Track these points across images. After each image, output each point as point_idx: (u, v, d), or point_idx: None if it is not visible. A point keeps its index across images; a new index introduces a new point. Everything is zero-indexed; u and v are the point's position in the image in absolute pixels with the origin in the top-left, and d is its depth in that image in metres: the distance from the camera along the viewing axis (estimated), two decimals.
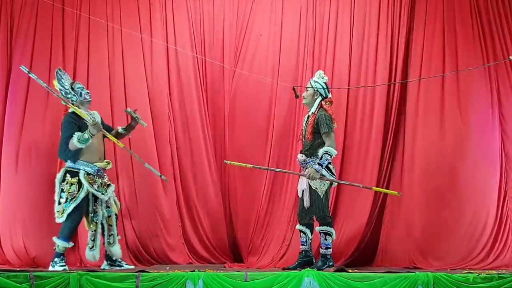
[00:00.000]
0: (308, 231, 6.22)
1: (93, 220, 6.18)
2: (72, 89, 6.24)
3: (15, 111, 7.12)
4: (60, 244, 6.06)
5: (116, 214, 6.42)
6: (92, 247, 6.17)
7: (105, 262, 6.39)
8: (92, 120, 6.07)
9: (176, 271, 5.53)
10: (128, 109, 6.48)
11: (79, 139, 5.99)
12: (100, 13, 7.24)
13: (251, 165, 6.42)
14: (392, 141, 7.14)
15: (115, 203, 6.43)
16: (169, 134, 7.27)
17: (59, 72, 6.28)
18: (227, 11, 7.41)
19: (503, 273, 5.57)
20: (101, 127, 6.16)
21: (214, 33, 7.41)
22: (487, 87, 7.16)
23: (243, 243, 7.14)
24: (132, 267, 6.40)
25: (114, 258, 6.36)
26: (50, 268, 5.99)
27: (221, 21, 7.40)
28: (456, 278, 5.41)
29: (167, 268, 6.22)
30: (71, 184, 6.07)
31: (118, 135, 6.46)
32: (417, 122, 7.19)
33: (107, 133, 6.26)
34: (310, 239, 6.22)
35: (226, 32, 7.39)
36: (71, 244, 6.15)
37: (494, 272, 5.75)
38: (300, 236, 6.33)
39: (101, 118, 6.38)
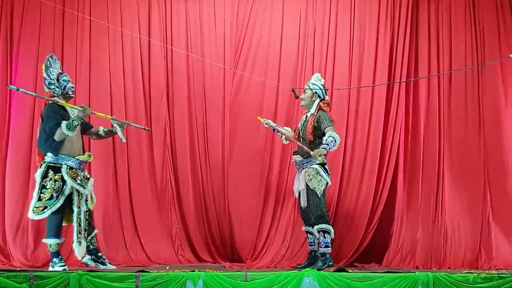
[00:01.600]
0: (315, 231, 6.23)
1: (79, 215, 5.98)
2: (58, 80, 6.05)
3: (21, 117, 7.13)
4: (51, 242, 5.97)
5: (91, 210, 6.24)
6: (81, 242, 5.97)
7: (88, 257, 6.21)
8: (82, 107, 5.92)
9: (176, 271, 5.52)
10: (114, 118, 6.25)
11: (69, 127, 5.82)
12: (100, 14, 7.24)
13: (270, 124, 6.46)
14: (393, 141, 7.16)
15: (92, 198, 6.24)
16: (165, 133, 7.28)
17: (49, 59, 6.09)
18: (228, 12, 7.40)
19: (503, 273, 5.57)
20: (90, 111, 5.99)
21: (216, 35, 7.39)
22: (475, 88, 7.27)
23: (243, 243, 7.14)
24: (114, 267, 6.23)
25: (99, 254, 6.24)
26: (50, 269, 5.96)
27: (221, 22, 7.39)
28: (456, 278, 5.40)
29: (167, 268, 6.21)
30: (55, 180, 5.92)
31: (98, 135, 6.35)
32: (419, 123, 7.25)
33: (96, 112, 6.09)
34: (318, 239, 6.24)
35: (226, 33, 7.38)
36: (62, 239, 6.04)
37: (494, 272, 5.76)
38: (308, 237, 6.38)
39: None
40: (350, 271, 5.74)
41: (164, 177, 7.24)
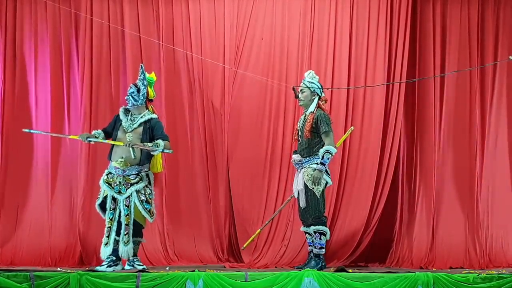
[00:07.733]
0: (311, 232, 6.21)
1: (109, 218, 5.99)
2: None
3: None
4: None
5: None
6: (106, 243, 5.99)
7: (127, 264, 6.15)
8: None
9: (176, 271, 5.53)
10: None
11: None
12: (100, 13, 7.26)
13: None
14: (393, 141, 7.17)
15: (137, 205, 6.02)
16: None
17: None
18: (228, 13, 7.38)
19: (503, 273, 5.58)
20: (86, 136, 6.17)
21: (216, 36, 7.38)
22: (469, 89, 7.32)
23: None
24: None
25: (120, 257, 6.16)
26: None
27: (221, 24, 7.38)
28: (456, 278, 5.41)
29: (167, 268, 6.22)
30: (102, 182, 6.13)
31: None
32: (419, 123, 7.28)
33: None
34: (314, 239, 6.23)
35: (226, 35, 7.36)
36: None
37: (494, 272, 5.77)
38: (306, 238, 6.34)
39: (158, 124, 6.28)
40: (350, 271, 5.75)
41: (164, 178, 7.23)
